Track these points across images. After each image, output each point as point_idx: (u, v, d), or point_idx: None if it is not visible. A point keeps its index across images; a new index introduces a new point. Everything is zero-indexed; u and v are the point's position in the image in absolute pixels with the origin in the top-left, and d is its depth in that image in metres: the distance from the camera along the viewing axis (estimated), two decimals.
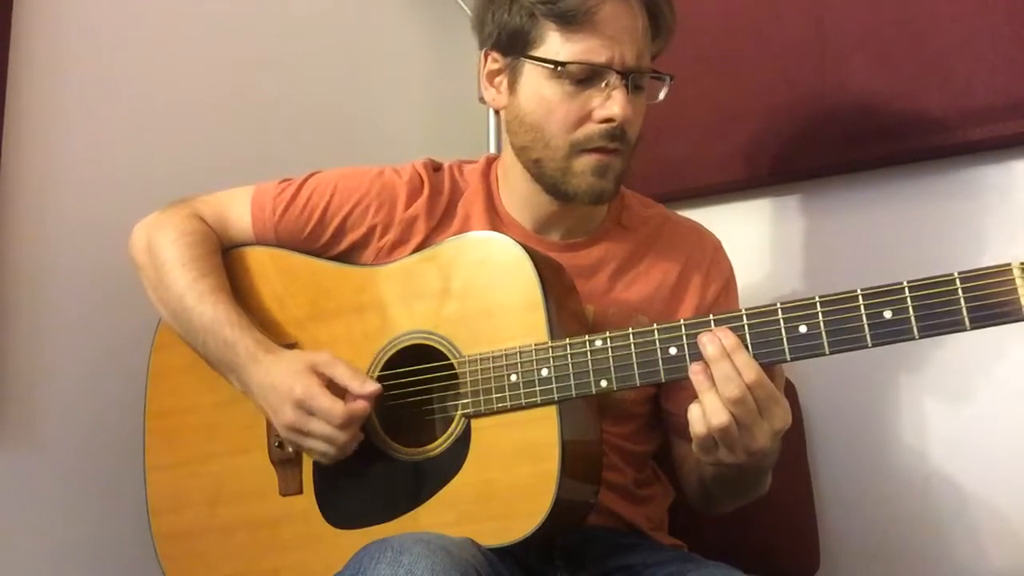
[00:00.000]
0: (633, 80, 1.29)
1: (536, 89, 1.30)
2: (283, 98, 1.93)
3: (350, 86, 2.08)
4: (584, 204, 1.34)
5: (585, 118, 1.29)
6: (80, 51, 1.65)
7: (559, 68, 1.27)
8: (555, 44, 1.28)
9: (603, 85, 1.27)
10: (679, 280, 1.40)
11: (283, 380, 1.26)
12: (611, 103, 1.27)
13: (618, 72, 1.27)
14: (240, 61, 1.88)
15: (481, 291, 1.26)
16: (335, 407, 1.23)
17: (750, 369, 1.09)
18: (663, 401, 1.41)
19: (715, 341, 1.10)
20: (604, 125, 1.28)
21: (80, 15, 1.65)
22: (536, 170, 1.34)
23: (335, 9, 2.06)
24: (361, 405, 1.23)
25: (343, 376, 1.25)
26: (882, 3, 1.69)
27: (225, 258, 1.43)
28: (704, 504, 1.40)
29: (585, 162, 1.30)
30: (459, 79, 2.15)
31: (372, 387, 1.24)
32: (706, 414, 1.10)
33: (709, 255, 1.44)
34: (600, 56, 1.26)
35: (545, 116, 1.30)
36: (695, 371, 1.11)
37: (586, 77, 1.27)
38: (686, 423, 1.36)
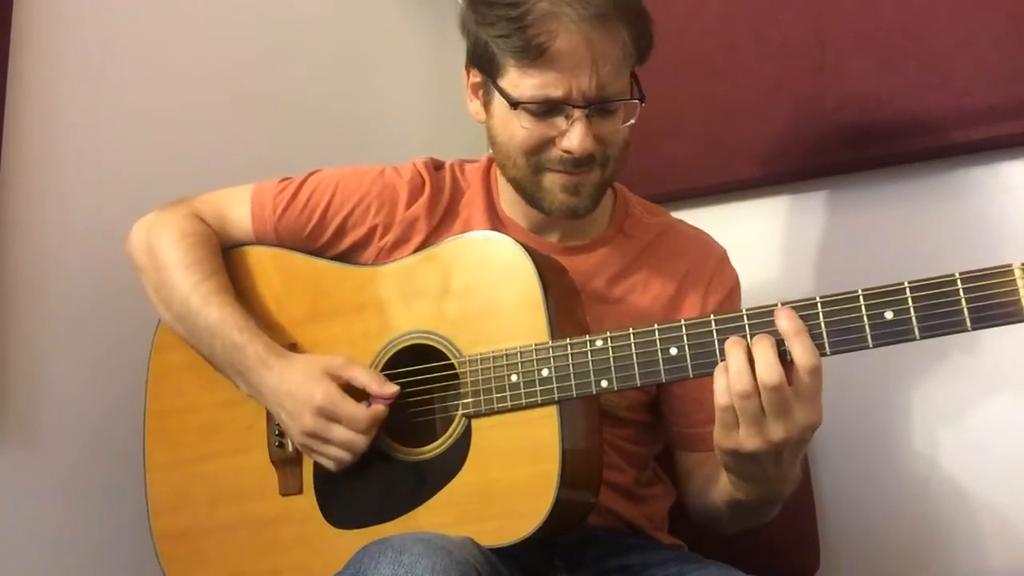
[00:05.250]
0: (597, 108, 1.26)
1: (502, 115, 1.30)
2: (283, 98, 1.93)
3: (350, 86, 2.08)
4: (562, 219, 1.34)
5: (548, 143, 1.28)
6: (80, 51, 1.64)
7: (517, 106, 1.26)
8: (514, 77, 1.26)
9: (564, 116, 1.26)
10: (678, 291, 1.39)
11: (301, 387, 1.26)
12: (570, 135, 1.25)
13: (576, 105, 1.24)
14: (240, 61, 1.88)
15: (481, 291, 1.26)
16: (359, 412, 1.23)
17: (811, 354, 1.05)
18: (667, 414, 1.40)
19: (793, 317, 1.06)
20: (567, 155, 1.27)
21: (80, 15, 1.65)
22: (515, 185, 1.35)
23: (335, 9, 2.06)
24: (382, 408, 1.24)
25: (361, 378, 1.25)
26: (882, 3, 1.69)
27: (225, 258, 1.43)
28: (708, 523, 1.38)
29: (552, 180, 1.30)
30: (459, 79, 2.14)
31: (392, 388, 1.24)
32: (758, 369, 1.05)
33: (712, 265, 1.42)
34: (557, 90, 1.24)
35: (508, 140, 1.30)
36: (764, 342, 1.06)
37: (546, 111, 1.26)
38: (690, 436, 1.38)
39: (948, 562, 1.61)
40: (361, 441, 1.24)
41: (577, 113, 1.24)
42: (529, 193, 1.33)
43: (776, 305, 1.09)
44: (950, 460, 1.62)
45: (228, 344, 1.32)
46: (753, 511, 1.26)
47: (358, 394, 1.26)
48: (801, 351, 1.05)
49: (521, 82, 1.25)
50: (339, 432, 1.24)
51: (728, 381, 1.06)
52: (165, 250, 1.39)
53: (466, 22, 1.32)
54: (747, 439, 1.07)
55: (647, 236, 1.43)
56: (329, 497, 1.30)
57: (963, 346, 1.59)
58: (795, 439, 1.07)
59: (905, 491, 1.65)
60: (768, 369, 1.04)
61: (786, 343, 1.06)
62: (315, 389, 1.25)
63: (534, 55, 1.22)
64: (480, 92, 1.35)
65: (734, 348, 1.07)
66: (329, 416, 1.24)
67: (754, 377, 1.05)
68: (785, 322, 1.06)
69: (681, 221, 1.49)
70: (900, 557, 1.65)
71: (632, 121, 1.30)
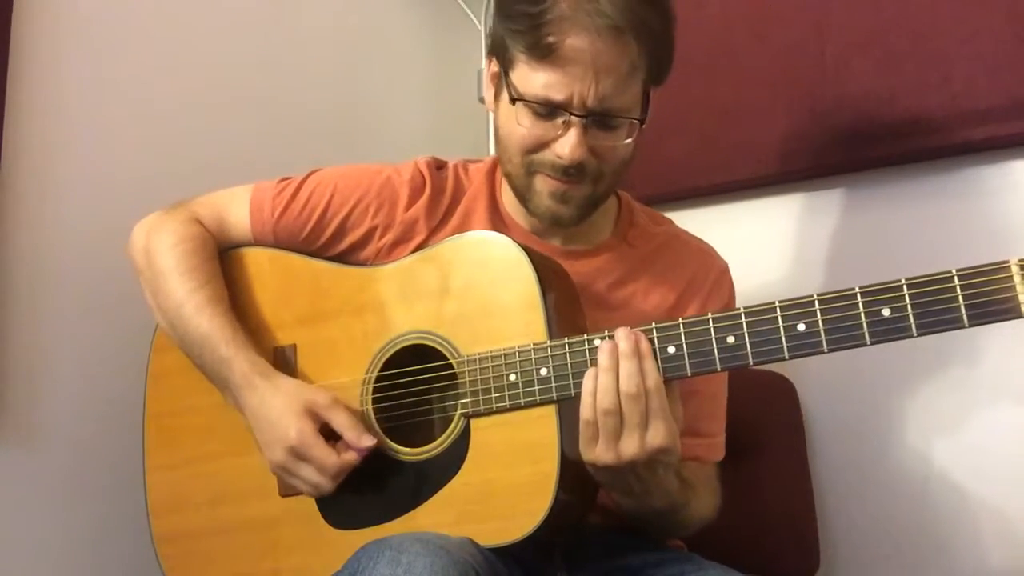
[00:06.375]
0: (597, 120, 1.25)
1: (506, 108, 1.30)
2: (283, 98, 1.94)
3: (350, 86, 2.08)
4: (546, 224, 1.34)
5: (544, 145, 1.27)
6: (80, 51, 1.65)
7: (517, 102, 1.26)
8: (523, 72, 1.26)
9: (562, 121, 1.25)
10: (679, 301, 1.39)
11: (279, 419, 1.26)
12: (563, 141, 1.25)
13: (575, 113, 1.23)
14: (240, 61, 1.88)
15: (480, 291, 1.26)
16: (329, 459, 1.24)
17: (652, 376, 1.12)
18: None
19: (631, 339, 1.13)
20: (558, 159, 1.27)
21: (80, 15, 1.65)
22: (509, 181, 1.35)
23: (335, 9, 2.07)
24: (354, 457, 1.24)
25: (341, 425, 1.25)
26: (882, 3, 1.69)
27: (223, 259, 1.42)
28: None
29: (543, 183, 1.30)
30: (459, 79, 2.15)
31: (368, 441, 1.24)
32: (598, 392, 1.12)
33: (712, 278, 1.42)
34: (559, 94, 1.23)
35: (508, 134, 1.30)
36: (604, 349, 1.13)
37: (546, 111, 1.25)
38: None
39: (947, 562, 1.61)
40: (327, 486, 1.25)
41: (574, 120, 1.24)
42: (520, 192, 1.33)
43: (775, 305, 1.09)
44: (950, 460, 1.62)
45: (216, 357, 1.32)
46: (653, 522, 1.30)
47: (338, 436, 1.26)
48: (624, 376, 1.11)
49: (527, 78, 1.25)
50: (306, 472, 1.25)
51: (596, 398, 1.12)
52: (161, 255, 1.38)
53: (493, 12, 1.33)
54: (603, 453, 1.13)
55: (650, 245, 1.43)
56: (329, 498, 1.29)
57: (963, 347, 1.59)
58: (643, 460, 1.12)
59: (905, 491, 1.65)
60: (628, 379, 1.11)
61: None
62: (291, 426, 1.25)
63: (541, 54, 1.22)
64: (495, 82, 1.35)
65: (604, 356, 1.13)
66: (299, 456, 1.25)
67: (619, 393, 1.11)
68: (625, 344, 1.12)
69: (685, 231, 1.49)
70: (899, 557, 1.65)
71: (630, 140, 1.28)
